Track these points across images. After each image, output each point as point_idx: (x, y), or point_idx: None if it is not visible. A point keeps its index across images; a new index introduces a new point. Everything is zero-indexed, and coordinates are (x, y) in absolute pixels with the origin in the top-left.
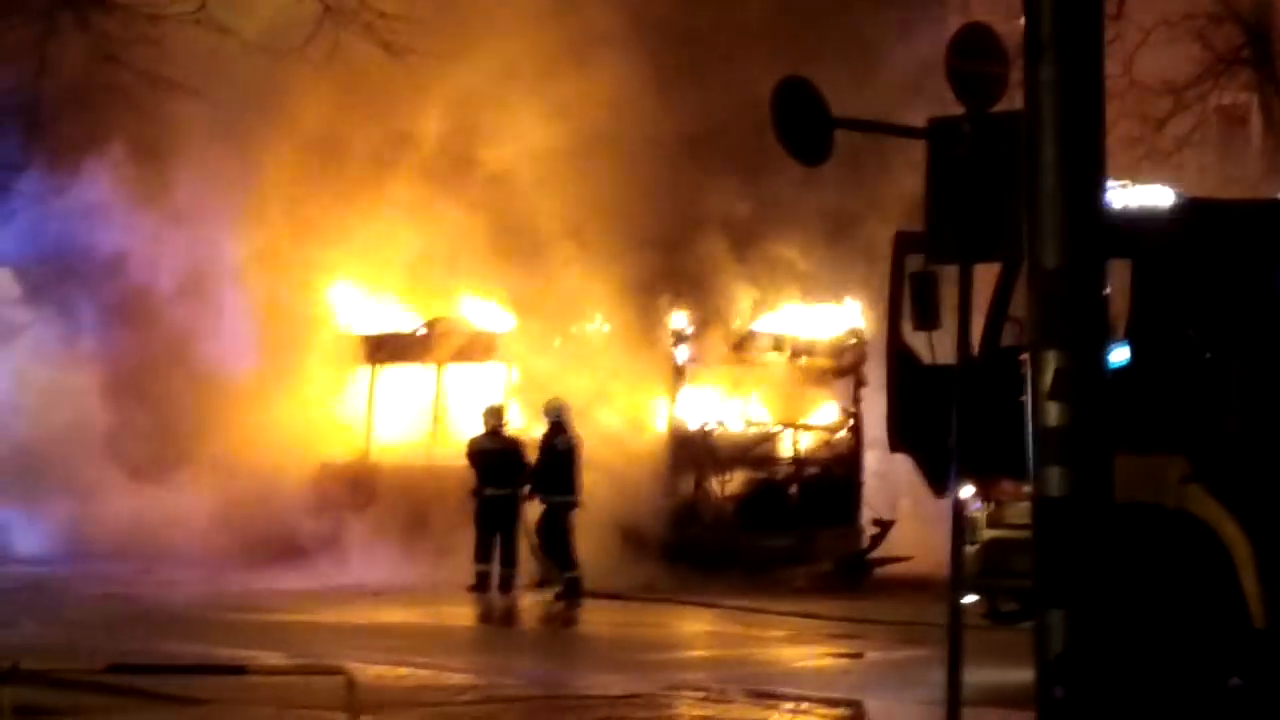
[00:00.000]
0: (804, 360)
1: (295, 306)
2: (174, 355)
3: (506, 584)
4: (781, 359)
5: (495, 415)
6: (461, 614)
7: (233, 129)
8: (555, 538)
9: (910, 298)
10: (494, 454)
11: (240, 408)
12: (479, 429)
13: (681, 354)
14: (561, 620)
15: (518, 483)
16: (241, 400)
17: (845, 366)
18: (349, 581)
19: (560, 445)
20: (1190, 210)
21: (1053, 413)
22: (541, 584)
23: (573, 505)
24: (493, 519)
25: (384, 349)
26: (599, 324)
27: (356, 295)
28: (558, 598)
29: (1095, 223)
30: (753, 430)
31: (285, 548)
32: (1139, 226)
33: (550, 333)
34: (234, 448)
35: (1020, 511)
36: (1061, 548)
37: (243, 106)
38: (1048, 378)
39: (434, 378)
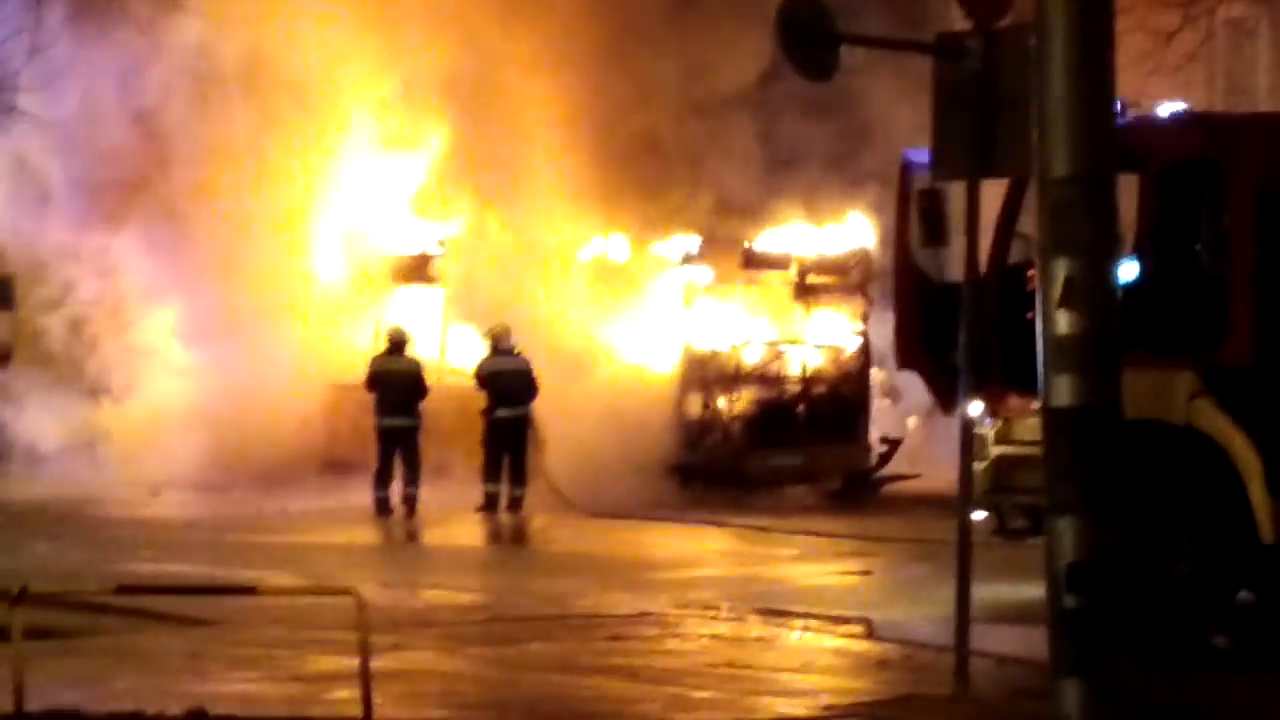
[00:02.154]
0: (811, 278)
1: (300, 228)
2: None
3: (516, 504)
4: (789, 277)
5: (506, 335)
6: (470, 534)
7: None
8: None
9: (917, 215)
10: (504, 375)
11: (248, 331)
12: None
13: (689, 273)
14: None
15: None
16: (250, 324)
17: (853, 284)
18: (358, 503)
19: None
20: (1198, 124)
21: (1063, 321)
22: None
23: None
24: (502, 440)
25: (394, 270)
26: (606, 245)
27: (366, 215)
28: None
29: (1105, 131)
30: (760, 349)
31: (295, 469)
32: (1146, 140)
33: (556, 254)
34: (242, 370)
35: (1029, 428)
36: (1071, 456)
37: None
38: (1058, 286)
39: (441, 299)
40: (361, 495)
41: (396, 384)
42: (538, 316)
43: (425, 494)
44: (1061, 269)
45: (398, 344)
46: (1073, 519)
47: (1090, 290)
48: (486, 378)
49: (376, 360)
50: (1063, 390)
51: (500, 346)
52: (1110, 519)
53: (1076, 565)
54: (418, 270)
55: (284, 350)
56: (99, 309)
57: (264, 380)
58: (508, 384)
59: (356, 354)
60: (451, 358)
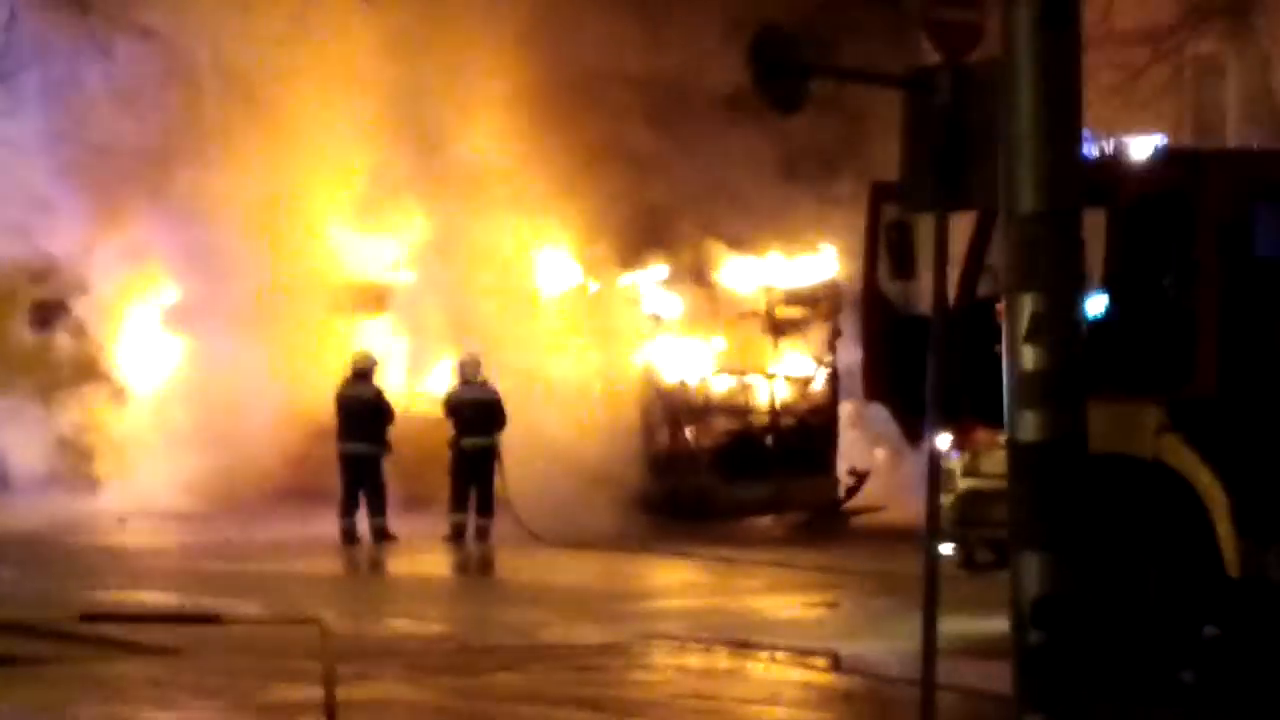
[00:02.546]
0: (780, 310)
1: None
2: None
3: (482, 534)
4: (758, 308)
5: (473, 366)
6: (437, 564)
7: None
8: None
9: (886, 247)
10: (471, 405)
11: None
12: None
13: (656, 304)
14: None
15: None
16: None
17: (821, 316)
18: (324, 532)
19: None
20: (1166, 159)
21: (1029, 356)
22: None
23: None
24: (469, 469)
25: (361, 299)
26: (573, 275)
27: (336, 242)
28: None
29: (1072, 166)
30: (728, 380)
31: (261, 498)
32: (1115, 175)
33: (522, 283)
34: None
35: (996, 461)
36: (1036, 491)
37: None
38: (1024, 321)
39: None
40: (331, 524)
41: (358, 410)
42: (505, 346)
43: (393, 524)
44: (1028, 304)
45: (361, 371)
46: (1037, 553)
47: (1056, 325)
48: (453, 407)
49: (341, 386)
50: (1028, 425)
51: (467, 376)
52: (1075, 554)
53: (1040, 600)
54: (381, 299)
55: (256, 377)
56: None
57: (236, 407)
58: (473, 413)
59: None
60: (418, 386)
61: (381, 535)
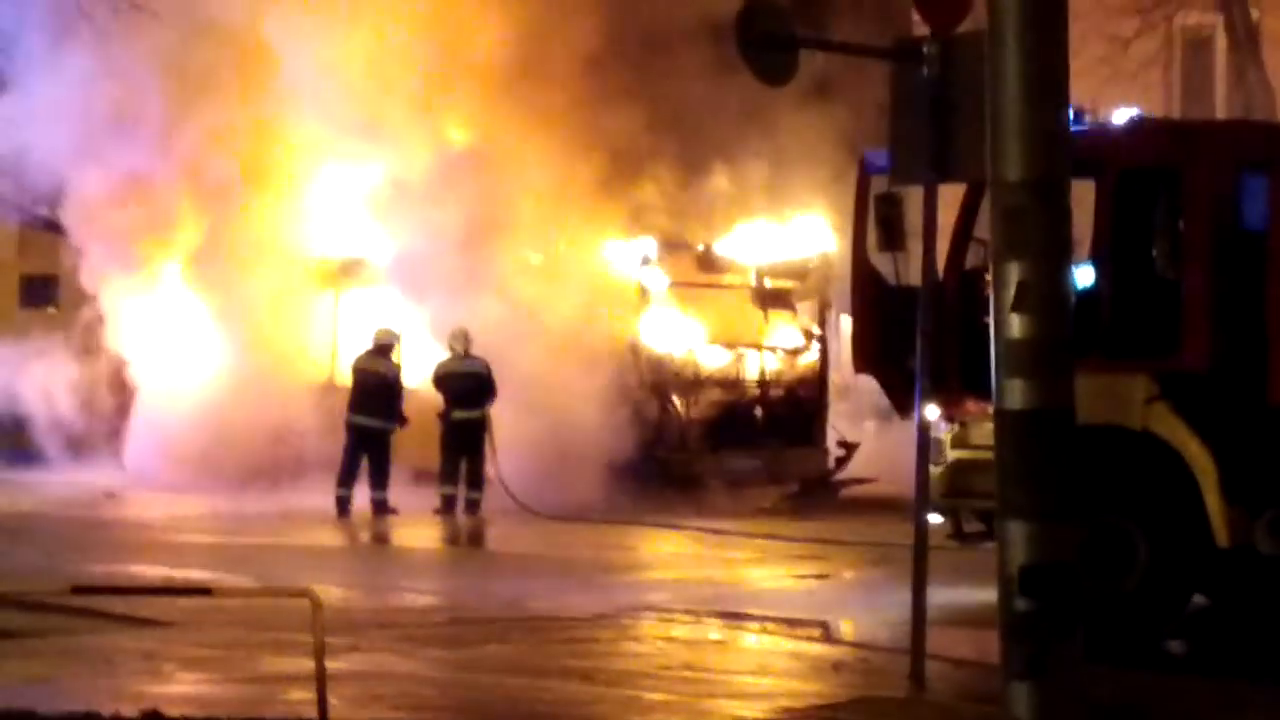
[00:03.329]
0: (769, 282)
1: (262, 229)
2: None
3: (473, 507)
4: (747, 280)
5: (463, 338)
6: (429, 536)
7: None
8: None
9: (875, 220)
10: (460, 377)
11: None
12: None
13: (646, 276)
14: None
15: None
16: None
17: (811, 288)
18: (315, 505)
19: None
20: (1155, 131)
21: (1015, 325)
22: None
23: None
24: (458, 442)
25: (349, 272)
26: (564, 248)
27: (322, 218)
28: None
29: (1058, 135)
30: (718, 352)
31: (252, 471)
32: (1103, 146)
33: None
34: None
35: (985, 432)
36: (1023, 459)
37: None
38: (1010, 290)
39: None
40: (323, 497)
41: (374, 385)
42: (493, 319)
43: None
44: (1014, 273)
45: (382, 346)
46: (1024, 522)
47: (1043, 294)
48: (439, 379)
49: (358, 359)
50: (1015, 394)
51: (456, 349)
52: (1062, 522)
53: (1028, 568)
54: (362, 272)
55: (250, 351)
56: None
57: (232, 381)
58: (460, 386)
59: (319, 356)
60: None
61: (382, 508)
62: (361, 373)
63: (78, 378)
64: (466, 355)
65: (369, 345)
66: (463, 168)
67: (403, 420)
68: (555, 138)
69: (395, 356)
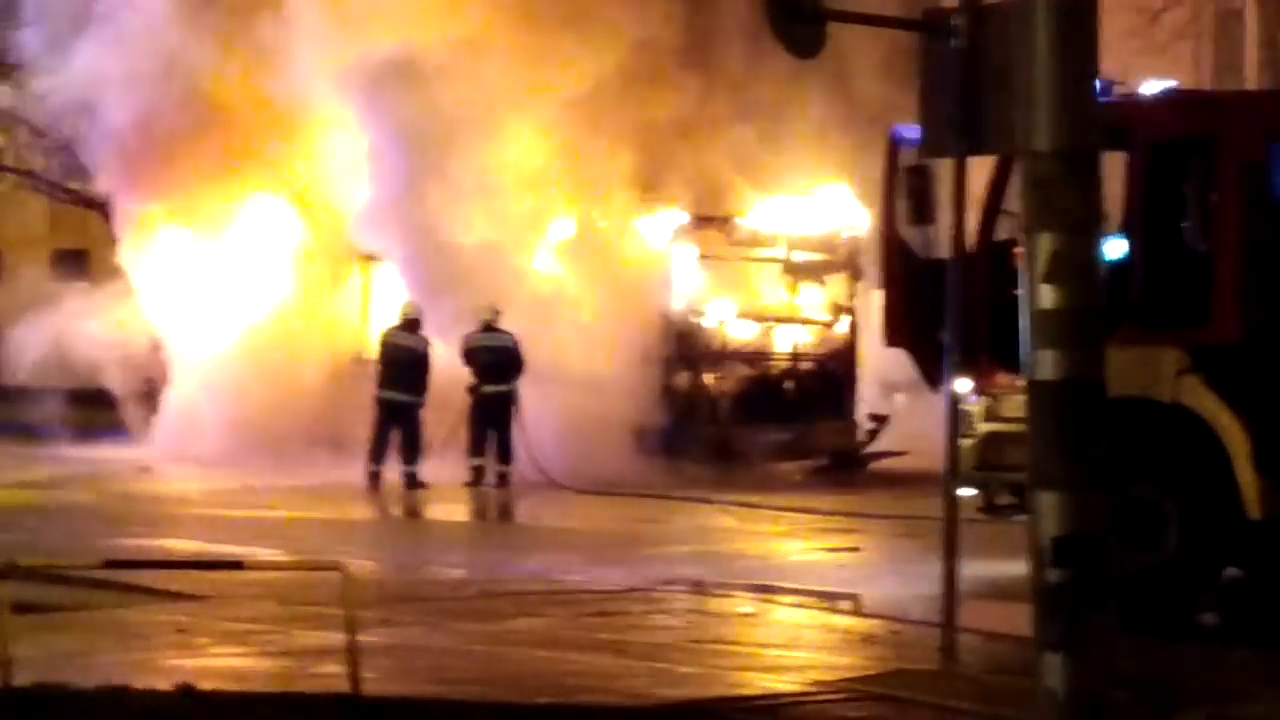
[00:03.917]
0: (800, 255)
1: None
2: None
3: (503, 480)
4: (777, 254)
5: (490, 312)
6: (459, 509)
7: None
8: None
9: (905, 192)
10: (489, 351)
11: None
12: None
13: (677, 249)
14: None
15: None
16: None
17: (841, 261)
18: (346, 479)
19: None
20: (1187, 102)
21: (1046, 296)
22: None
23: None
24: (487, 415)
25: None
26: (595, 220)
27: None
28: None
29: (1088, 105)
30: (748, 326)
31: (284, 444)
32: (1134, 118)
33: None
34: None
35: (1016, 405)
36: (1054, 429)
37: None
38: (1041, 261)
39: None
40: (355, 471)
41: (403, 359)
42: (524, 293)
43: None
44: (1045, 243)
45: (411, 320)
46: (1056, 492)
47: (1074, 265)
48: (469, 353)
49: (387, 333)
50: (1046, 364)
51: (486, 323)
52: (1094, 493)
53: (1060, 539)
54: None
55: (281, 326)
56: None
57: (262, 355)
58: (489, 360)
59: (350, 330)
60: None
61: (414, 482)
62: (391, 347)
63: (110, 352)
64: (495, 329)
65: (396, 320)
66: (489, 140)
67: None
68: (586, 108)
69: (422, 330)
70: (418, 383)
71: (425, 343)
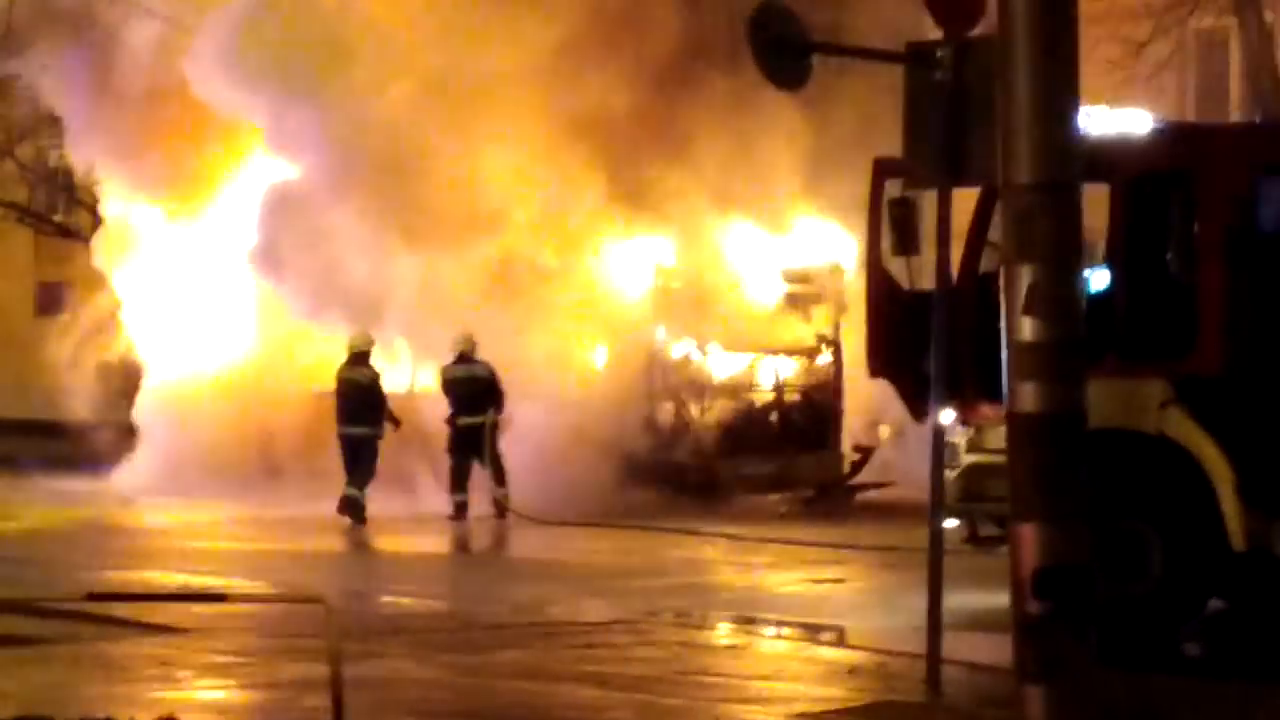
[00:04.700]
0: (785, 286)
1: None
2: None
3: (499, 507)
4: (762, 285)
5: (465, 342)
6: (441, 542)
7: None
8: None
9: (889, 224)
10: (464, 382)
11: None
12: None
13: (662, 280)
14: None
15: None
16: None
17: (825, 292)
18: (327, 511)
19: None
20: (1170, 134)
21: (1027, 328)
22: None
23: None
24: (465, 446)
25: None
26: (580, 250)
27: None
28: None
29: (1070, 138)
30: (733, 357)
31: (268, 476)
32: (1116, 150)
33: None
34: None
35: (1000, 436)
36: (1035, 462)
37: None
38: (1022, 293)
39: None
40: (334, 504)
41: (352, 393)
42: (504, 323)
43: (397, 505)
44: (1025, 275)
45: (358, 353)
46: (1037, 524)
47: (1054, 297)
48: (445, 385)
49: (340, 368)
50: (1027, 396)
51: (460, 353)
52: (1075, 524)
53: (1041, 571)
54: None
55: (258, 358)
56: None
57: (241, 387)
58: (464, 391)
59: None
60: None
61: (353, 507)
62: (341, 381)
63: (91, 382)
64: (470, 359)
65: (346, 354)
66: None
67: (395, 422)
68: (569, 138)
69: (372, 361)
70: (369, 415)
71: (374, 374)
